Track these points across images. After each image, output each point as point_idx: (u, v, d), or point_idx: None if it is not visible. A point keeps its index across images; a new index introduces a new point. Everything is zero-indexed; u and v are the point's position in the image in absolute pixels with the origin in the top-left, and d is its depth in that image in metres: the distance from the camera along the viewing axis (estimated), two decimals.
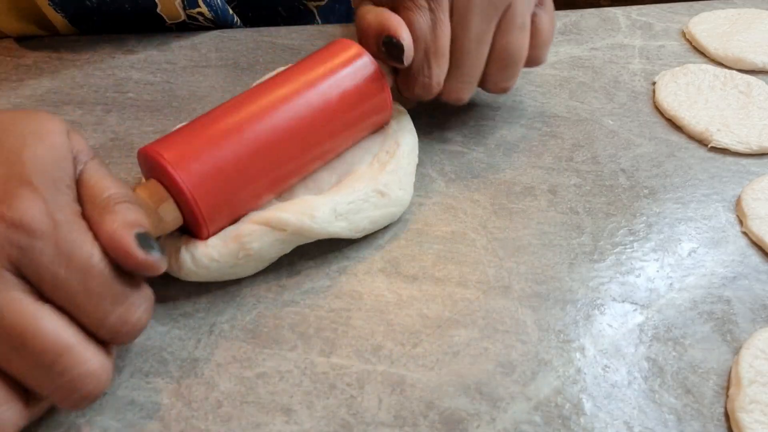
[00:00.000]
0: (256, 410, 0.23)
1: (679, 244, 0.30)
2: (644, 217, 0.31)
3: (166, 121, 0.35)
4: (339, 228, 0.27)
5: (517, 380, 0.24)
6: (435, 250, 0.29)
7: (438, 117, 0.36)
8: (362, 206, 0.28)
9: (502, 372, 0.25)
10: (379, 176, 0.28)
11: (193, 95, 0.36)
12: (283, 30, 0.39)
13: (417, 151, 0.32)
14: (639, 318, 0.27)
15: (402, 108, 0.32)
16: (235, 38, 0.38)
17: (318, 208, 0.26)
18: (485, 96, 0.37)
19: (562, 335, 0.26)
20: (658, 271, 0.29)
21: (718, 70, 0.37)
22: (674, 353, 0.26)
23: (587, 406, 0.24)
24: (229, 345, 0.25)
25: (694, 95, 0.36)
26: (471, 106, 0.36)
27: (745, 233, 0.31)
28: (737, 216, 0.32)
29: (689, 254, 0.30)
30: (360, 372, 0.24)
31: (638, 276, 0.29)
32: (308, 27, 0.40)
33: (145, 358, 0.25)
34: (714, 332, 0.26)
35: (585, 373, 0.25)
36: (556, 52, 0.39)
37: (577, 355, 0.25)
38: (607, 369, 0.25)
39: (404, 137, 0.31)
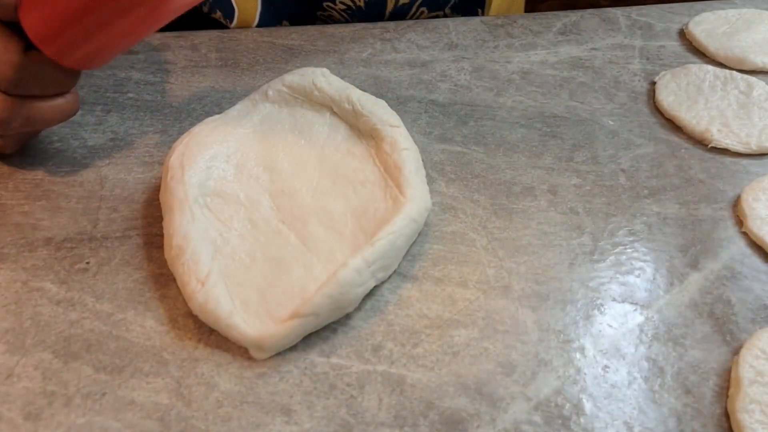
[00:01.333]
0: (256, 410, 0.23)
1: (679, 244, 0.30)
2: (644, 217, 0.31)
3: (166, 121, 0.35)
4: (378, 279, 0.27)
5: (517, 380, 0.24)
6: (435, 250, 0.29)
7: (438, 116, 0.36)
8: (395, 246, 0.27)
9: (502, 372, 0.25)
10: (404, 208, 0.27)
11: (193, 95, 0.36)
12: (282, 30, 0.39)
13: (421, 161, 0.31)
14: (639, 318, 0.27)
15: (395, 122, 0.32)
16: (235, 38, 0.38)
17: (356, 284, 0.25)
18: (485, 96, 0.37)
19: (562, 335, 0.26)
20: (658, 271, 0.29)
21: (719, 70, 0.37)
22: (674, 353, 0.26)
23: (587, 406, 0.24)
24: (229, 345, 0.25)
25: (695, 95, 0.36)
26: (471, 106, 0.36)
27: (745, 233, 0.31)
28: (737, 216, 0.32)
29: (689, 254, 0.30)
30: (360, 372, 0.24)
31: (638, 276, 0.29)
32: (309, 27, 0.40)
33: (145, 358, 0.25)
34: (714, 332, 0.26)
35: (585, 374, 0.25)
36: (557, 52, 0.39)
37: (577, 355, 0.25)
38: (607, 369, 0.25)
39: (405, 158, 0.30)
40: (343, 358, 0.25)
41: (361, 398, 0.24)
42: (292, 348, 0.25)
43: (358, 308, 0.27)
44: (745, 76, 0.37)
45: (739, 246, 0.30)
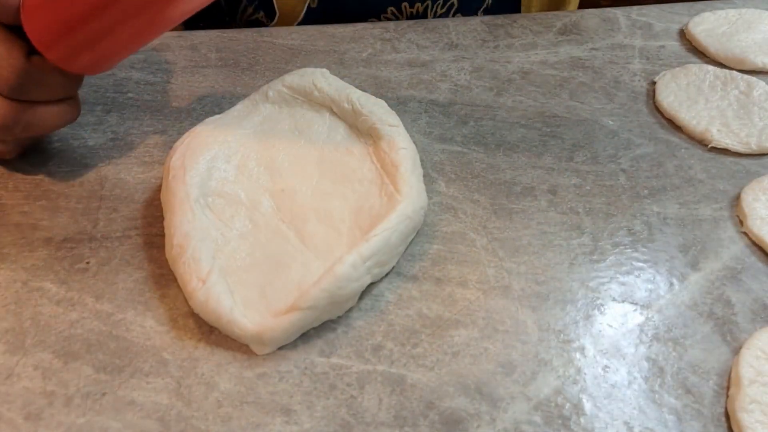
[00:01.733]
0: (256, 410, 0.23)
1: (680, 244, 0.30)
2: (644, 217, 0.31)
3: (165, 121, 0.35)
4: (372, 277, 0.27)
5: (517, 380, 0.24)
6: (435, 250, 0.29)
7: (438, 116, 0.36)
8: (390, 242, 0.27)
9: (502, 372, 0.25)
10: (397, 207, 0.28)
11: (193, 95, 0.36)
12: (283, 30, 0.39)
13: (418, 160, 0.31)
14: (639, 318, 0.27)
15: (394, 122, 0.32)
16: (236, 38, 0.38)
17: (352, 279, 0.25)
18: (485, 96, 0.37)
19: (562, 335, 0.26)
20: (658, 271, 0.29)
21: (719, 70, 0.37)
22: (674, 353, 0.26)
23: (587, 406, 0.24)
24: (229, 344, 0.25)
25: (695, 95, 0.36)
26: (471, 106, 0.36)
27: (745, 233, 0.31)
28: (737, 216, 0.32)
29: (689, 254, 0.30)
30: (360, 372, 0.24)
31: (638, 276, 0.29)
32: (308, 27, 0.40)
33: (145, 358, 0.25)
34: (714, 332, 0.26)
35: (585, 374, 0.25)
36: (557, 52, 0.39)
37: (577, 355, 0.25)
38: (607, 369, 0.25)
39: (402, 157, 0.30)
40: (343, 358, 0.25)
41: (361, 398, 0.24)
42: (293, 348, 0.25)
43: (358, 308, 0.27)
44: (746, 76, 0.37)
45: (739, 246, 0.30)
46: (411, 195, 0.29)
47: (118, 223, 0.30)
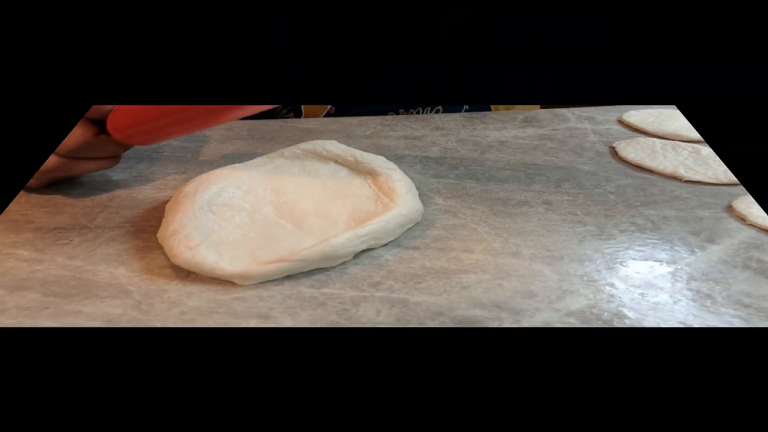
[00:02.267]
0: (227, 317, 0.19)
1: (688, 230, 0.29)
2: (645, 216, 0.31)
3: (188, 167, 0.37)
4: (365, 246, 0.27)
5: (542, 300, 0.20)
6: (436, 234, 0.28)
7: (431, 165, 0.39)
8: (385, 228, 0.27)
9: (522, 296, 0.21)
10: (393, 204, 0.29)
11: (218, 154, 0.40)
12: (303, 120, 0.47)
13: (414, 188, 0.33)
14: (667, 269, 0.24)
15: (391, 166, 0.35)
16: (265, 124, 0.45)
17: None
18: (471, 155, 0.41)
19: (585, 278, 0.23)
20: (674, 245, 0.27)
21: (664, 141, 0.42)
22: (718, 287, 0.22)
23: (629, 314, 0.19)
24: (207, 282, 0.22)
25: (652, 155, 0.40)
26: (460, 160, 0.40)
27: (752, 225, 0.30)
28: (737, 216, 0.31)
29: (702, 236, 0.28)
30: (355, 296, 0.21)
31: (654, 247, 0.27)
32: (326, 119, 0.47)
33: (105, 289, 0.21)
34: (756, 276, 0.23)
35: (620, 298, 0.21)
36: (524, 131, 0.45)
37: (607, 288, 0.22)
38: (644, 295, 0.21)
39: (398, 186, 0.32)
40: (336, 289, 0.21)
41: (355, 310, 0.19)
42: (278, 283, 0.22)
43: (356, 263, 0.24)
44: (689, 143, 0.42)
45: (749, 232, 0.29)
46: (406, 202, 0.30)
47: (115, 220, 0.29)
